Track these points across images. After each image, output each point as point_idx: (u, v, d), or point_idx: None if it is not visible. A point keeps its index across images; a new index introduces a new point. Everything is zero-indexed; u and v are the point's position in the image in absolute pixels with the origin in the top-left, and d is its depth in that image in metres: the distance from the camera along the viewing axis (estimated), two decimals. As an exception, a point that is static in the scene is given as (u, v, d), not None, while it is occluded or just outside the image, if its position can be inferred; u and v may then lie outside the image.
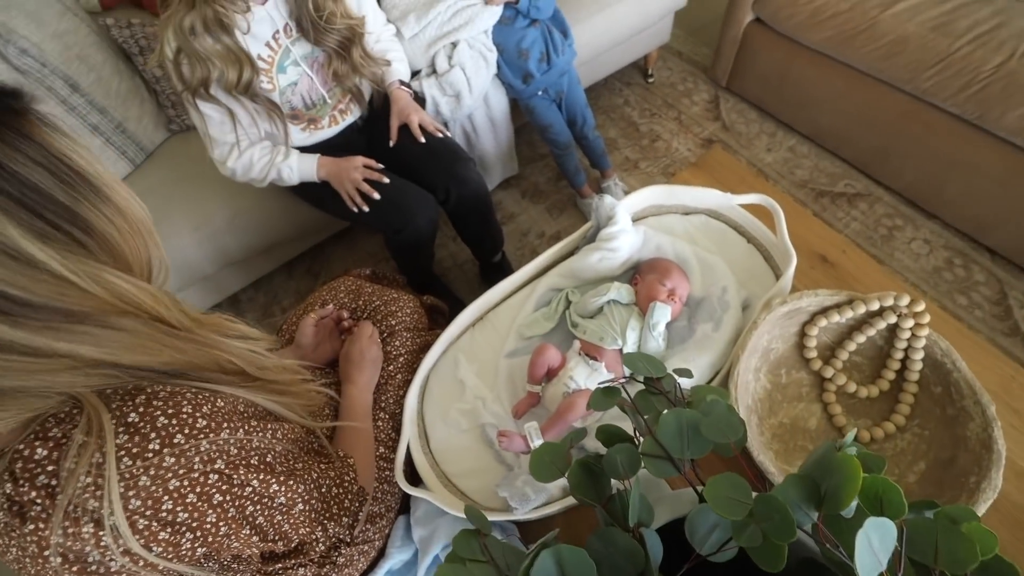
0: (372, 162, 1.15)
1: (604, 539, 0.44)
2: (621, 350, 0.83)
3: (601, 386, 0.55)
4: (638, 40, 1.85)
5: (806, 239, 1.08)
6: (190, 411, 0.50)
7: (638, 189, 1.78)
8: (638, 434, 0.54)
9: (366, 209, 1.13)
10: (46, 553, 0.44)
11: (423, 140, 1.18)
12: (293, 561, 0.64)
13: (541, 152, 1.85)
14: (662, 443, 0.48)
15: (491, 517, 0.72)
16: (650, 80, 2.10)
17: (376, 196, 1.12)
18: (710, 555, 0.42)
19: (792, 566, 0.44)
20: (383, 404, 0.85)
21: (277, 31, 1.05)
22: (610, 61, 1.85)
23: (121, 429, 0.46)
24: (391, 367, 0.88)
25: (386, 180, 1.14)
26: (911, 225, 1.62)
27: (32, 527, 0.43)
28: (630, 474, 0.46)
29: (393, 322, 0.94)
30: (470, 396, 0.88)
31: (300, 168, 1.15)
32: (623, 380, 0.73)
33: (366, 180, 1.13)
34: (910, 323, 0.79)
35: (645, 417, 0.53)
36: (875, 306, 0.80)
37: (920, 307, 0.78)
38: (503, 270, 1.52)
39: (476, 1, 1.36)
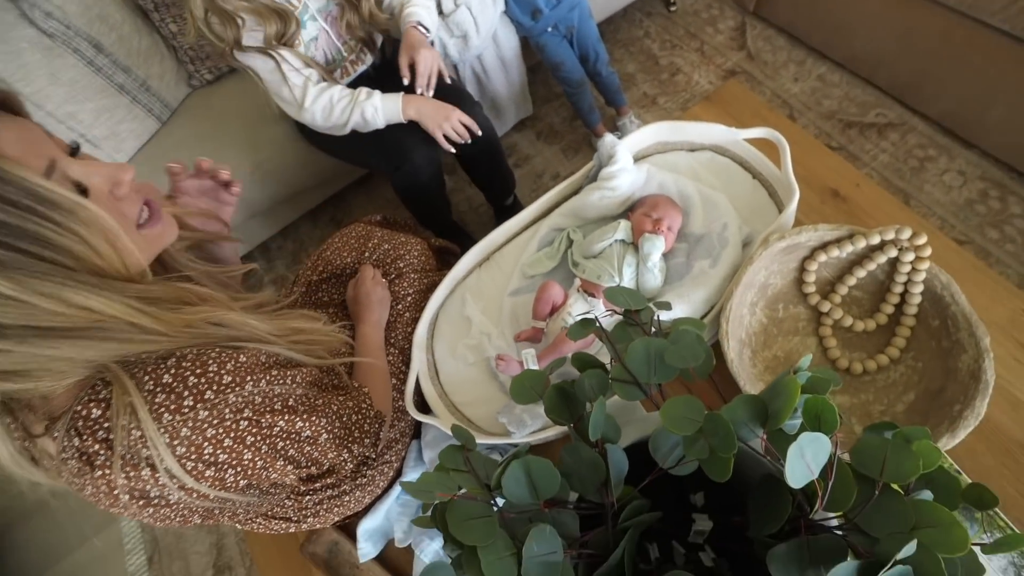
0: (467, 118, 1.15)
1: (571, 453, 0.49)
2: (620, 285, 0.86)
3: (578, 318, 0.59)
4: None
5: (818, 173, 1.05)
6: (215, 369, 0.55)
7: (654, 126, 1.74)
8: (613, 362, 0.58)
9: (452, 151, 1.15)
10: (115, 492, 0.52)
11: (421, 91, 1.14)
12: (328, 481, 0.72)
13: (556, 91, 1.81)
14: (630, 369, 0.52)
15: (492, 440, 0.79)
16: (672, 8, 1.99)
17: (467, 139, 1.14)
18: (671, 468, 0.47)
19: (753, 480, 0.48)
20: (393, 340, 0.91)
21: None
22: (627, -10, 1.76)
23: (159, 389, 0.52)
24: (399, 306, 0.94)
25: (479, 132, 1.16)
26: (946, 155, 1.53)
27: (100, 473, 0.51)
28: (598, 396, 0.51)
29: (401, 264, 0.99)
30: (476, 332, 0.94)
31: (385, 108, 1.12)
32: (609, 313, 0.76)
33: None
34: (911, 256, 0.78)
35: (617, 346, 0.57)
36: (876, 240, 0.80)
37: (922, 240, 0.77)
38: (515, 214, 1.53)
39: (480, -67, 1.30)
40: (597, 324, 0.57)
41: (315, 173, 1.43)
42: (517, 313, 0.95)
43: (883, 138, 1.60)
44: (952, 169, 1.52)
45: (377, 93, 1.12)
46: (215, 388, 0.54)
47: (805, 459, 0.38)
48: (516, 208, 1.54)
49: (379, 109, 1.12)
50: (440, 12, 1.34)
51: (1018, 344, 0.86)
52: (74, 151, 0.52)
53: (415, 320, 0.92)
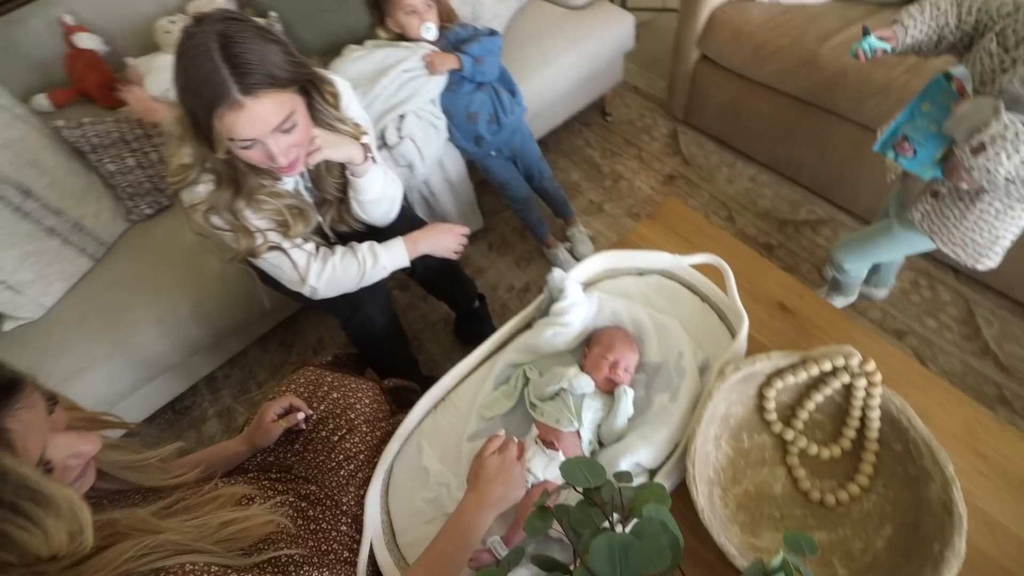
0: (460, 227, 1.17)
1: None
2: (579, 432, 0.83)
3: (534, 507, 0.54)
4: (592, 84, 1.88)
5: (764, 287, 1.08)
6: None
7: (604, 232, 1.79)
8: (576, 562, 0.53)
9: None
10: None
11: None
12: None
13: (505, 203, 1.86)
14: (594, 571, 0.47)
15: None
16: (608, 119, 2.13)
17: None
18: None
19: None
20: (344, 508, 0.83)
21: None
22: (566, 106, 1.88)
23: None
24: (351, 466, 0.87)
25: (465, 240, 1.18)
26: (875, 248, 1.63)
27: None
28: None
29: (352, 415, 0.93)
30: (434, 483, 0.87)
31: (393, 263, 1.08)
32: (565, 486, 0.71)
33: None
34: (863, 382, 0.79)
35: (581, 535, 0.52)
36: (827, 366, 0.80)
37: (871, 366, 0.78)
38: (481, 318, 1.51)
39: (420, 72, 1.38)
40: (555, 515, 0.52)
41: (260, 307, 1.38)
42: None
43: (817, 233, 1.69)
44: (882, 260, 1.61)
45: (380, 250, 1.07)
46: None
47: None
48: (482, 311, 1.51)
49: (387, 268, 1.08)
50: (384, 144, 1.38)
51: (978, 455, 0.86)
52: (52, 404, 0.53)
53: (367, 480, 0.85)
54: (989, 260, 1.03)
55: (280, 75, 0.79)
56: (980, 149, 0.79)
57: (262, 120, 0.79)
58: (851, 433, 0.82)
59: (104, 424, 0.67)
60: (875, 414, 0.79)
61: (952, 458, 0.84)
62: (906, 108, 0.90)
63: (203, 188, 0.90)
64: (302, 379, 1.00)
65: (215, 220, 0.93)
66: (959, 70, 0.86)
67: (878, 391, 0.78)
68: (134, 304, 1.31)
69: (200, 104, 0.76)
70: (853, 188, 1.65)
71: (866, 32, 0.93)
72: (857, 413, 0.81)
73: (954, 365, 1.40)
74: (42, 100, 1.49)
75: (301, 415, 0.90)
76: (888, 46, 0.93)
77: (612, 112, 2.14)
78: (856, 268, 1.33)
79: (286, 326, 1.71)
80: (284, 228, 0.97)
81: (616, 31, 1.79)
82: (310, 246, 1.03)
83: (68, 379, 1.24)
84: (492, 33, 1.45)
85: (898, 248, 1.21)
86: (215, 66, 0.73)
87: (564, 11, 1.79)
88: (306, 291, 1.03)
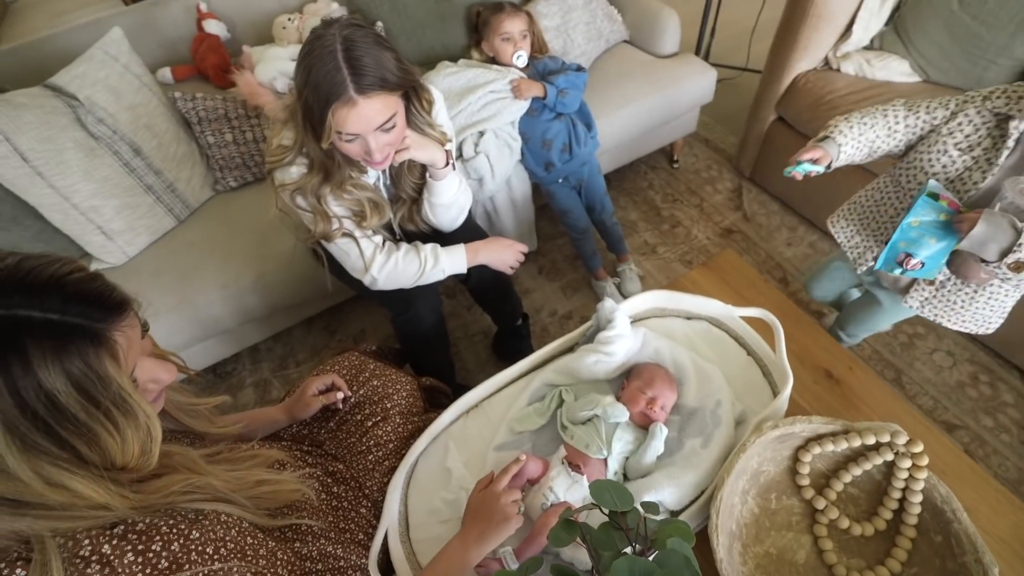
0: (520, 245, 1.22)
1: None
2: (607, 460, 0.83)
3: (562, 517, 0.55)
4: (664, 130, 1.92)
5: (812, 352, 1.07)
6: (157, 549, 0.51)
7: (654, 274, 1.80)
8: (595, 572, 0.54)
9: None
10: None
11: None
12: None
13: (561, 230, 1.90)
14: (613, 591, 0.48)
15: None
16: (675, 166, 2.16)
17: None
18: None
19: None
20: (367, 491, 0.86)
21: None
22: (637, 148, 1.92)
23: (95, 559, 0.48)
24: (380, 452, 0.90)
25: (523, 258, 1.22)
26: (934, 334, 1.57)
27: None
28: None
29: (388, 404, 0.96)
30: (455, 486, 0.89)
31: (452, 267, 1.13)
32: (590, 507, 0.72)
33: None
34: (907, 463, 0.77)
35: (602, 558, 0.53)
36: (871, 440, 0.78)
37: (918, 448, 0.75)
38: (522, 336, 1.54)
39: (506, 94, 1.45)
40: (582, 530, 0.53)
41: (317, 289, 1.46)
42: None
43: (872, 310, 1.64)
44: (941, 349, 1.54)
45: (441, 254, 1.11)
46: (149, 571, 0.50)
47: None
48: (524, 330, 1.54)
49: (446, 271, 1.12)
50: (460, 156, 1.45)
51: (1025, 564, 0.81)
52: (144, 331, 0.58)
53: (393, 469, 0.88)
54: (997, 324, 1.07)
55: (391, 79, 0.86)
56: (1021, 267, 0.82)
57: (368, 118, 0.86)
58: (887, 514, 0.79)
59: (172, 363, 0.73)
60: (917, 499, 0.76)
61: (997, 562, 0.80)
62: (898, 228, 0.92)
63: (295, 170, 0.98)
64: (346, 362, 1.05)
65: (300, 201, 1.00)
66: (938, 186, 0.92)
67: (923, 475, 0.75)
68: (204, 266, 1.40)
69: (318, 97, 0.83)
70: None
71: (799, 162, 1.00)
72: (897, 495, 0.78)
73: (1009, 471, 1.31)
74: (166, 73, 1.64)
75: (340, 395, 0.94)
76: (821, 168, 1.01)
77: (680, 160, 2.17)
78: (856, 336, 1.39)
79: (332, 312, 1.78)
80: (359, 218, 1.03)
81: (697, 83, 1.83)
82: (378, 238, 1.08)
83: (135, 325, 1.33)
84: (579, 69, 1.51)
85: (890, 319, 1.27)
86: (337, 65, 0.81)
87: (650, 58, 1.85)
88: (367, 280, 1.08)
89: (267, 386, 1.68)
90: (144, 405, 0.52)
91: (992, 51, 1.47)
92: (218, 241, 1.45)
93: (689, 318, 1.04)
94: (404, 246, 1.10)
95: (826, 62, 1.75)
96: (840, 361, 1.05)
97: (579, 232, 1.60)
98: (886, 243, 0.96)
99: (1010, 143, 0.88)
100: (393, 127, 0.90)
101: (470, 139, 1.43)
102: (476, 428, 0.96)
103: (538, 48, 1.56)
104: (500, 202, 1.53)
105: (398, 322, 1.20)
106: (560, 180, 1.54)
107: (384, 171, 1.10)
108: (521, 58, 1.47)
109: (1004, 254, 0.82)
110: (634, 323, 1.03)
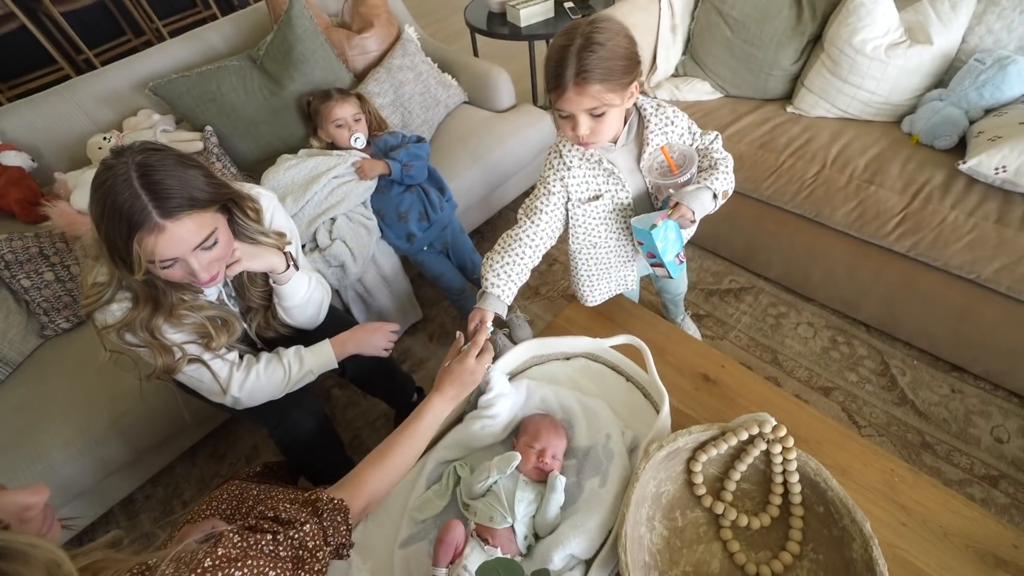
0: (389, 324, 1.20)
1: None
2: (513, 527, 0.80)
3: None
4: (521, 176, 2.01)
5: (687, 359, 1.13)
6: None
7: (541, 315, 1.83)
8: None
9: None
10: None
11: None
12: None
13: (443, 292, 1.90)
14: None
15: None
16: (541, 207, 2.26)
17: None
18: None
19: None
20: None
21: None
22: (498, 198, 2.00)
23: None
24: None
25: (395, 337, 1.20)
26: (794, 310, 1.75)
27: None
28: None
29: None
30: (367, 602, 0.81)
31: (320, 367, 1.08)
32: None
33: None
34: (778, 448, 0.82)
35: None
36: (745, 435, 0.83)
37: (782, 431, 0.81)
38: None
39: (351, 177, 1.45)
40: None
41: (191, 415, 1.31)
42: (410, 567, 0.84)
43: (740, 301, 1.80)
44: (802, 322, 1.71)
45: (306, 355, 1.06)
46: None
47: None
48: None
49: (315, 372, 1.07)
50: (316, 246, 1.41)
51: (899, 507, 0.89)
52: None
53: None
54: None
55: (201, 197, 0.82)
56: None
57: (182, 240, 0.81)
58: (777, 500, 0.83)
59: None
60: (795, 478, 0.81)
61: (875, 512, 0.87)
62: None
63: (117, 307, 0.89)
64: (225, 495, 0.94)
65: (130, 338, 0.90)
66: (638, 220, 1.00)
67: (792, 455, 0.80)
68: (38, 429, 1.22)
69: (119, 229, 0.77)
70: (765, 256, 1.78)
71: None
72: (779, 479, 0.83)
73: (879, 416, 1.46)
74: (-44, 220, 1.46)
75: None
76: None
77: (543, 200, 2.27)
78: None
79: (217, 435, 1.62)
80: (206, 339, 0.95)
81: (538, 129, 1.95)
82: (232, 355, 1.01)
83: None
84: (419, 140, 1.55)
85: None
86: (135, 193, 0.76)
87: (490, 114, 1.95)
88: (228, 402, 1.00)
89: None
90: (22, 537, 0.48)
91: (767, 66, 1.72)
92: (53, 394, 1.27)
93: (568, 358, 1.07)
94: (264, 356, 1.03)
95: (644, 92, 1.96)
96: (713, 362, 1.12)
97: (456, 293, 1.61)
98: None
99: (606, 164, 1.01)
100: (215, 243, 0.85)
101: (323, 227, 1.40)
102: (378, 529, 0.89)
103: (377, 126, 1.58)
104: (370, 282, 1.50)
105: (276, 435, 1.11)
106: (425, 247, 1.54)
107: (225, 284, 1.04)
108: (359, 140, 1.48)
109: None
110: (517, 376, 1.04)
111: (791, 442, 0.81)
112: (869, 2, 1.48)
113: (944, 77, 1.53)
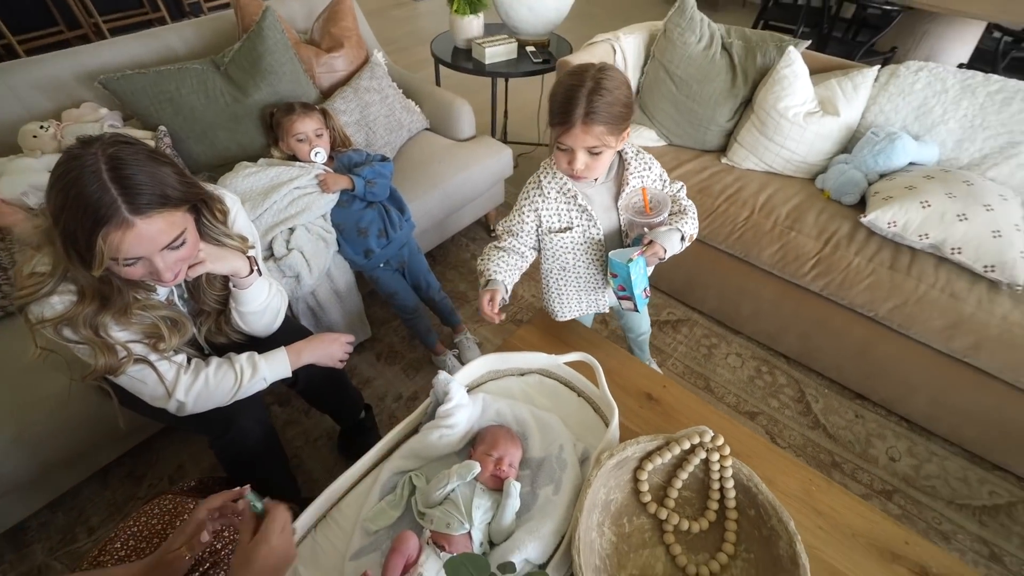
0: (345, 336, 1.19)
1: None
2: (470, 533, 0.82)
3: None
4: (476, 203, 2.07)
5: (632, 379, 1.20)
6: None
7: (490, 338, 1.87)
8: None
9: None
10: None
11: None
12: None
13: (394, 312, 1.89)
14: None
15: None
16: (492, 234, 2.33)
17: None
18: None
19: None
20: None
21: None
22: (452, 223, 2.04)
23: None
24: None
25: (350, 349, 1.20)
26: (724, 342, 1.89)
27: None
28: None
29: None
30: (314, 617, 0.79)
31: (274, 374, 1.05)
32: None
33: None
34: (716, 456, 0.89)
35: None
36: (687, 445, 0.90)
37: (720, 441, 0.89)
38: (367, 429, 1.46)
39: (313, 189, 1.45)
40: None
41: (110, 430, 1.22)
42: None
43: (677, 332, 1.93)
44: (732, 352, 1.86)
45: (260, 361, 1.03)
46: None
47: None
48: (368, 422, 1.45)
49: (267, 379, 1.04)
50: (272, 255, 1.38)
51: (816, 512, 0.99)
52: None
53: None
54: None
55: (173, 195, 0.80)
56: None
57: (151, 239, 0.78)
58: (714, 505, 0.90)
59: None
60: (730, 484, 0.88)
61: (797, 517, 0.96)
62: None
63: (59, 300, 0.84)
64: (157, 509, 0.89)
65: (69, 334, 0.85)
66: (615, 254, 1.05)
67: (729, 463, 0.88)
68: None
69: (82, 222, 0.73)
70: (700, 291, 1.93)
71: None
72: (716, 485, 0.90)
73: (796, 439, 1.60)
74: None
75: (205, 536, 0.77)
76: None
77: (495, 228, 2.34)
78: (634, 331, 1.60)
79: (136, 454, 1.50)
80: (155, 340, 0.91)
81: (496, 160, 2.03)
82: (180, 358, 0.97)
83: None
84: (384, 159, 1.58)
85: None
86: (103, 186, 0.73)
87: (451, 142, 2.01)
88: (172, 406, 0.95)
89: (44, 574, 1.31)
90: None
91: (705, 121, 1.91)
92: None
93: (523, 374, 1.11)
94: (215, 360, 1.00)
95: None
96: (655, 383, 1.20)
97: (409, 312, 1.62)
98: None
99: (581, 200, 1.07)
100: (183, 243, 0.83)
101: (280, 236, 1.38)
102: (328, 542, 0.87)
103: (341, 142, 1.60)
104: (323, 296, 1.49)
105: (218, 445, 1.06)
106: (382, 264, 1.55)
107: (177, 285, 1.00)
108: (320, 155, 1.49)
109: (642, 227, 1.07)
110: (473, 390, 1.06)
111: (728, 450, 0.89)
112: (791, 75, 1.70)
113: (848, 144, 1.77)
